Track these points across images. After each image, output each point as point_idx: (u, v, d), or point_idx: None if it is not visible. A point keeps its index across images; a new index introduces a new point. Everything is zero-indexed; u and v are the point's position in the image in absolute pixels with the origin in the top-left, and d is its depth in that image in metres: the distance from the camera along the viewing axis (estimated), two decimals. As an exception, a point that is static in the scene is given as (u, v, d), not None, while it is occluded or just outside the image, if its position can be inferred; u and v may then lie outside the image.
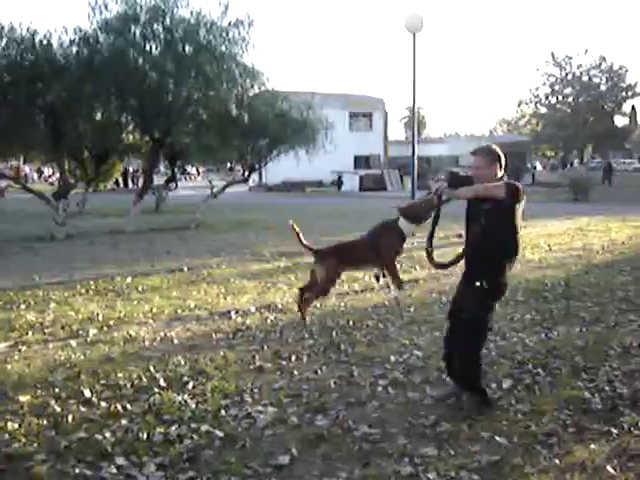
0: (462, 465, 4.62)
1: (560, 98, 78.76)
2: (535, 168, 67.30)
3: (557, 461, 4.66)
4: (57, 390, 6.20)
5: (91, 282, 11.67)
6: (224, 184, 24.90)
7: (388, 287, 11.03)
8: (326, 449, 4.94)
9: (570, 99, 78.31)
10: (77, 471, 4.61)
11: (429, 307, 9.53)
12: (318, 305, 9.76)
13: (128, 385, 6.34)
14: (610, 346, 7.37)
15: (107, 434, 5.17)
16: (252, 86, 20.60)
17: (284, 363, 7.00)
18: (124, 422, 5.42)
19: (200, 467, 4.67)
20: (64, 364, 7.03)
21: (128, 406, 5.78)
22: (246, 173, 24.65)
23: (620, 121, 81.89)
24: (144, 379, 6.50)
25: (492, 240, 5.42)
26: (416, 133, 20.47)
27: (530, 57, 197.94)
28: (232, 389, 6.19)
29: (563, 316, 8.70)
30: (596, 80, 77.58)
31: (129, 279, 11.97)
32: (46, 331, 8.44)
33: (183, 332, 8.38)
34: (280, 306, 9.76)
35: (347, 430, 5.24)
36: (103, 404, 5.83)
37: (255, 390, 6.17)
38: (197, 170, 67.28)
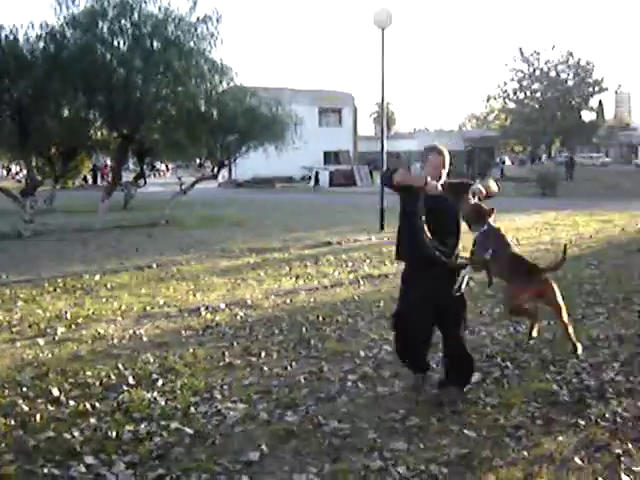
0: (431, 458, 4.64)
1: (528, 93, 79.24)
2: (504, 163, 67.72)
3: (525, 453, 4.69)
4: (25, 389, 6.14)
5: (59, 280, 11.58)
6: (193, 180, 24.79)
7: (357, 282, 11.08)
8: (296, 444, 4.94)
9: (538, 94, 78.81)
10: (46, 471, 4.57)
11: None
12: (288, 301, 9.77)
13: (97, 383, 6.30)
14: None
15: (76, 433, 5.13)
16: (221, 82, 20.55)
17: (254, 359, 6.99)
18: (93, 421, 5.38)
19: (170, 464, 4.65)
20: (32, 363, 6.97)
21: (97, 404, 5.73)
22: (215, 169, 24.56)
23: (587, 116, 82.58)
24: (113, 377, 6.46)
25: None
26: (385, 128, 20.46)
27: (498, 53, 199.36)
28: (202, 386, 6.17)
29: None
30: (563, 75, 78.13)
31: (97, 277, 11.89)
32: (13, 330, 8.36)
33: (152, 329, 8.34)
34: (250, 302, 9.74)
35: (317, 425, 5.24)
36: (72, 403, 5.79)
37: (225, 387, 6.16)
38: (166, 166, 66.88)
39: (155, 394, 5.95)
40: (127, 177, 31.87)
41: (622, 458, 4.59)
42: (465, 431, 5.04)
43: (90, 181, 50.43)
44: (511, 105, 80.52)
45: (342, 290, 10.61)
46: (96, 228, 19.90)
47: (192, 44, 19.44)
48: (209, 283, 11.33)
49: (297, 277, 11.76)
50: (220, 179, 39.49)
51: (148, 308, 9.50)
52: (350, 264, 13.02)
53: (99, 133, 24.56)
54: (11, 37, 18.35)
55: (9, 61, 17.88)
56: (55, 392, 6.02)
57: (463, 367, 5.76)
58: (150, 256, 14.49)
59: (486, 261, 5.55)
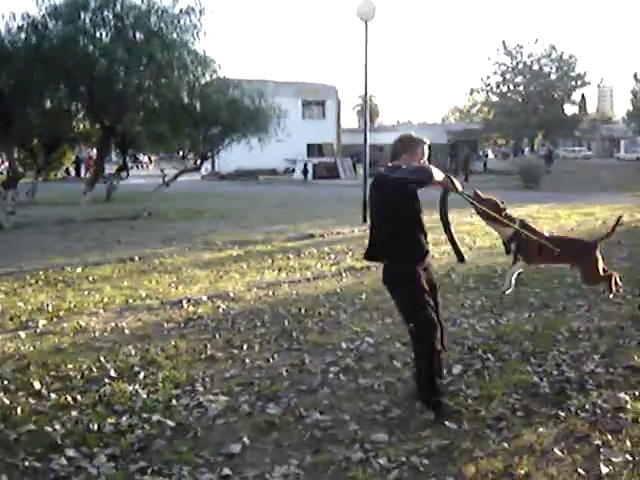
0: (412, 450, 4.66)
1: (511, 87, 79.43)
2: (487, 156, 67.97)
3: (506, 445, 4.72)
4: (6, 382, 6.12)
5: (41, 272, 11.53)
6: (176, 173, 24.70)
7: (340, 274, 11.10)
8: (277, 436, 4.95)
9: (521, 88, 79.02)
10: (27, 464, 4.56)
11: (380, 294, 9.54)
12: (270, 293, 9.77)
13: (78, 376, 6.29)
14: (558, 331, 7.49)
15: (57, 426, 5.12)
16: (204, 74, 20.46)
17: (236, 352, 6.99)
18: (74, 413, 5.37)
19: (151, 457, 4.65)
20: (13, 356, 6.94)
21: (78, 397, 5.72)
22: (198, 161, 24.50)
23: (570, 110, 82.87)
24: (94, 370, 6.45)
25: None
26: (368, 121, 20.48)
27: (482, 46, 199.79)
28: (183, 378, 6.17)
29: (512, 302, 8.80)
30: (546, 69, 78.34)
31: (79, 269, 11.85)
32: (-6, 322, 8.33)
33: (134, 322, 8.33)
34: (232, 295, 9.74)
35: (298, 417, 5.26)
36: (53, 396, 5.77)
37: (206, 379, 6.16)
38: (149, 158, 66.63)
39: (137, 387, 5.95)
40: (109, 169, 31.73)
41: (601, 449, 4.63)
42: (446, 423, 5.06)
43: (73, 173, 50.15)
44: (494, 98, 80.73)
45: (324, 282, 10.62)
46: (78, 220, 19.81)
47: (175, 36, 19.36)
48: (191, 275, 11.32)
49: (279, 270, 11.76)
50: (203, 171, 39.47)
51: (130, 301, 9.47)
52: (333, 256, 13.03)
53: (81, 125, 24.42)
54: (-8, 28, 18.23)
55: (-10, 52, 17.76)
56: (36, 385, 6.00)
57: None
58: (132, 248, 14.44)
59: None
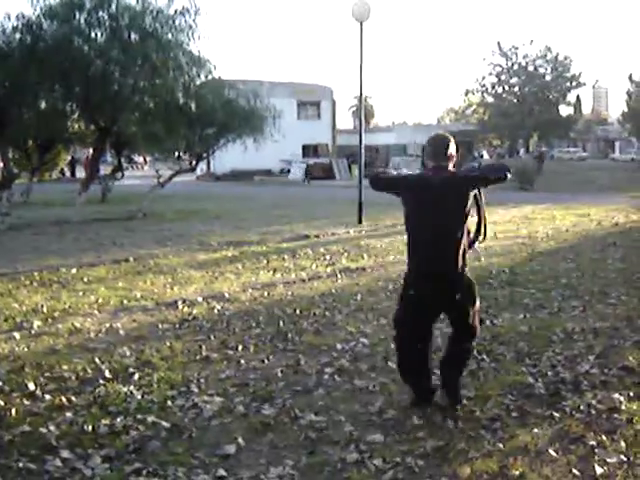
0: (407, 451, 4.66)
1: (506, 88, 79.45)
2: (482, 157, 67.99)
3: (501, 445, 4.72)
4: (0, 383, 6.09)
5: (35, 273, 11.50)
6: (171, 173, 24.70)
7: (335, 275, 11.11)
8: (272, 438, 4.94)
9: (516, 89, 79.05)
10: (21, 465, 4.54)
11: (376, 295, 9.58)
12: (265, 294, 9.76)
13: (73, 377, 6.27)
14: (553, 332, 7.50)
15: (52, 427, 5.11)
16: (199, 74, 20.44)
17: (231, 353, 6.98)
18: (69, 415, 5.36)
19: (146, 458, 4.64)
20: (7, 357, 6.92)
21: (73, 398, 5.71)
22: (193, 162, 24.49)
23: (565, 111, 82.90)
24: (89, 371, 6.43)
25: None
26: (363, 122, 20.48)
27: (477, 47, 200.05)
28: (178, 379, 6.16)
29: (508, 303, 8.81)
30: (542, 70, 78.36)
31: (74, 270, 11.83)
32: (-11, 323, 8.31)
33: (129, 323, 8.31)
34: (227, 296, 9.73)
35: (293, 418, 5.25)
36: (47, 397, 5.76)
37: (201, 380, 6.15)
38: (144, 159, 66.58)
39: (131, 388, 5.94)
40: (104, 170, 31.70)
41: (596, 450, 4.63)
42: (441, 423, 5.06)
43: (68, 174, 50.06)
44: (489, 99, 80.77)
45: (320, 283, 10.62)
46: (73, 221, 19.79)
47: (170, 36, 19.34)
48: (186, 276, 11.31)
49: (275, 270, 11.76)
50: (198, 172, 39.47)
51: (125, 302, 9.46)
52: (328, 257, 13.04)
53: (76, 125, 24.41)
54: (-13, 29, 18.19)
55: (-16, 53, 17.73)
56: (31, 386, 5.99)
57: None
58: (127, 249, 14.43)
59: None
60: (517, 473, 4.34)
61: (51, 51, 18.07)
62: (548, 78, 78.15)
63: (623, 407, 5.32)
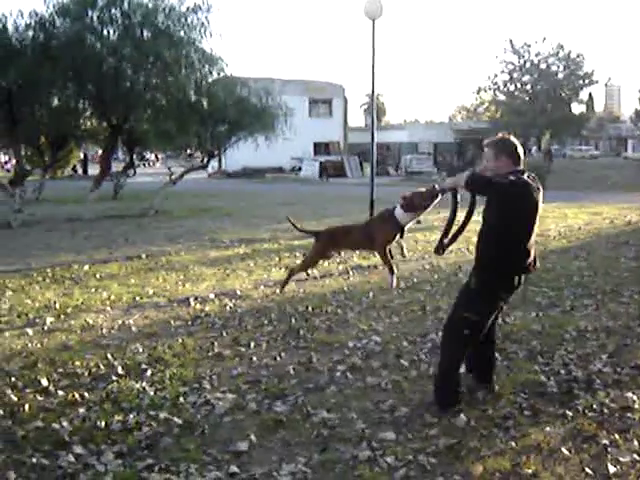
0: (420, 449, 4.66)
1: (518, 85, 79.09)
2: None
3: (513, 444, 4.71)
4: (13, 379, 6.13)
5: (48, 270, 11.55)
6: (183, 171, 24.74)
7: (347, 273, 11.10)
8: (285, 435, 4.95)
9: (528, 86, 78.68)
10: (34, 460, 4.57)
11: (387, 293, 9.57)
12: (277, 291, 9.77)
13: (86, 373, 6.30)
14: (566, 330, 7.48)
15: (65, 423, 5.13)
16: (211, 72, 20.49)
17: (243, 350, 6.99)
18: (82, 410, 5.38)
19: (159, 454, 4.65)
20: (20, 353, 6.96)
21: (86, 394, 5.73)
22: (205, 160, 24.52)
23: (577, 109, 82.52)
24: (102, 367, 6.45)
25: (482, 234, 5.38)
26: (375, 120, 20.44)
27: (489, 44, 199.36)
28: (191, 376, 6.18)
29: (520, 301, 8.78)
30: (554, 68, 77.97)
31: (87, 267, 11.87)
32: (2, 320, 8.34)
33: (141, 319, 8.33)
34: (239, 293, 9.74)
35: (306, 415, 5.25)
36: (60, 393, 5.78)
37: (214, 377, 6.16)
38: (156, 156, 66.86)
39: (144, 384, 5.95)
40: (116, 167, 31.79)
41: (609, 449, 4.62)
42: (453, 421, 5.06)
43: (80, 171, 50.20)
44: (501, 97, 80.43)
45: (331, 281, 10.61)
46: (85, 218, 19.86)
47: (182, 34, 19.39)
48: (198, 273, 11.32)
49: (286, 268, 11.72)
50: (210, 170, 39.53)
51: (137, 298, 9.49)
52: (340, 255, 13.01)
53: (89, 123, 24.48)
54: (0, 26, 18.25)
55: (-2, 50, 17.80)
56: (44, 382, 6.01)
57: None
58: (139, 246, 14.47)
59: None
60: (530, 471, 4.33)
61: (64, 48, 18.14)
62: (560, 76, 77.77)
63: (636, 406, 5.31)
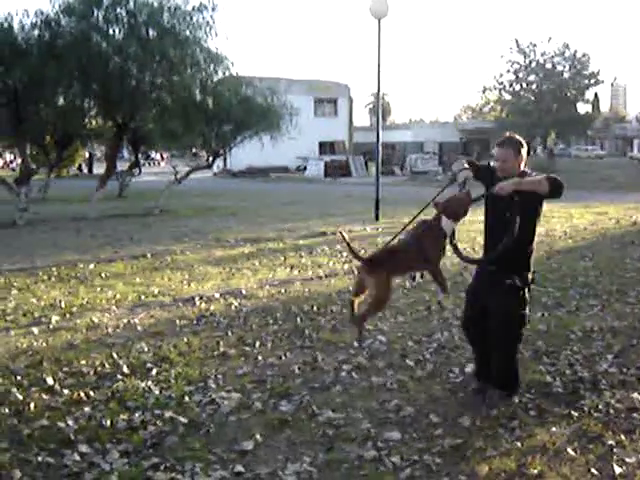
0: (425, 449, 4.65)
1: (524, 85, 78.91)
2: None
3: (519, 444, 4.70)
4: (19, 378, 6.13)
5: (53, 268, 11.56)
6: (188, 170, 24.77)
7: (352, 272, 11.08)
8: (290, 434, 4.95)
9: (534, 86, 78.51)
10: (40, 459, 4.57)
11: (393, 293, 9.54)
12: (282, 291, 9.77)
13: (91, 372, 6.30)
14: (571, 330, 7.47)
15: (70, 422, 5.13)
16: (216, 71, 20.50)
17: (248, 349, 6.99)
18: (87, 409, 5.38)
19: (164, 453, 4.65)
20: (26, 351, 6.96)
21: (91, 393, 5.73)
22: (210, 159, 24.55)
23: (583, 108, 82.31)
24: (107, 366, 6.46)
25: (524, 234, 5.28)
26: (380, 119, 20.44)
27: (495, 44, 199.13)
28: (196, 375, 6.18)
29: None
30: (560, 68, 77.79)
31: (92, 265, 11.88)
32: (7, 318, 8.35)
33: (146, 318, 8.34)
34: (244, 292, 9.73)
35: (311, 415, 5.25)
36: (66, 391, 5.78)
37: (219, 376, 6.16)
38: (161, 156, 66.93)
39: (149, 383, 5.96)
40: (121, 166, 31.85)
41: (615, 449, 4.61)
42: (459, 421, 5.06)
43: (85, 170, 50.27)
44: (507, 97, 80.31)
45: (337, 280, 10.60)
46: (90, 217, 19.88)
47: (188, 33, 19.41)
48: (204, 272, 11.33)
49: (292, 267, 11.76)
50: (215, 169, 39.56)
51: (142, 297, 9.49)
52: (345, 254, 12.99)
53: (94, 122, 24.53)
54: (6, 25, 18.31)
55: (4, 49, 17.84)
56: (49, 381, 6.02)
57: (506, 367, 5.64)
58: (145, 245, 14.48)
59: None
60: (535, 472, 4.33)
61: (69, 48, 18.17)
62: (566, 76, 77.61)
63: (642, 406, 5.29)
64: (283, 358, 6.69)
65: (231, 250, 13.91)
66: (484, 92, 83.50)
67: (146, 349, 7.00)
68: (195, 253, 13.43)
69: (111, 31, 19.12)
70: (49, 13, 18.70)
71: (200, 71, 19.86)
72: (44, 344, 7.23)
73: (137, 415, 5.25)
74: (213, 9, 19.53)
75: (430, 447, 4.68)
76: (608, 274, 10.70)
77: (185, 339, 7.33)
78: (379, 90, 19.93)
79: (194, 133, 22.25)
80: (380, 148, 19.87)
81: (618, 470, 4.34)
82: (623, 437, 4.77)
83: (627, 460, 4.46)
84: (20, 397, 5.64)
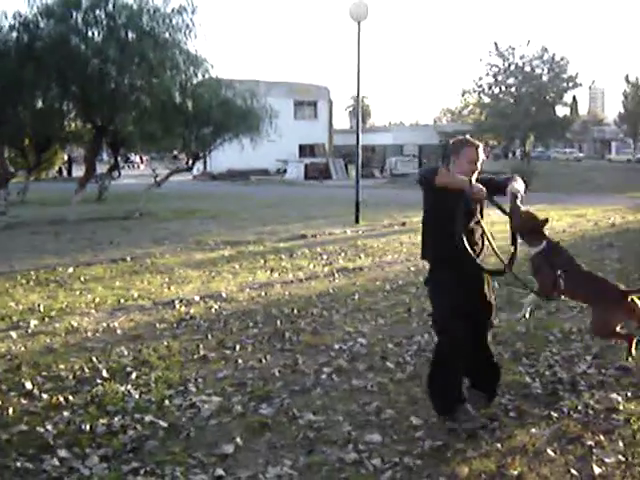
0: (405, 451, 4.66)
1: (503, 88, 79.23)
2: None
3: (499, 445, 4.72)
4: (-3, 382, 6.09)
5: (32, 272, 11.48)
6: (168, 172, 24.71)
7: (332, 275, 11.10)
8: (271, 437, 4.94)
9: (513, 89, 78.84)
10: (18, 464, 4.53)
11: (373, 295, 9.58)
12: (263, 294, 9.76)
13: (70, 376, 6.26)
14: (551, 332, 7.50)
15: (49, 426, 5.10)
16: (196, 73, 20.48)
17: (228, 352, 6.97)
18: (66, 414, 5.35)
19: (144, 458, 4.63)
20: (4, 356, 6.91)
21: (70, 398, 5.70)
22: (190, 162, 24.49)
23: (561, 111, 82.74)
24: (86, 370, 6.42)
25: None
26: (360, 122, 20.48)
27: (474, 47, 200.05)
28: (176, 379, 6.15)
29: (505, 302, 8.78)
30: (538, 71, 78.16)
31: (71, 269, 11.81)
32: (-14, 322, 8.29)
33: (126, 322, 8.30)
34: (224, 295, 9.72)
35: (291, 418, 5.24)
36: (45, 396, 5.74)
37: (199, 380, 6.14)
38: (140, 158, 66.66)
39: (129, 387, 5.93)
40: (101, 169, 31.68)
41: (594, 450, 4.63)
42: (439, 423, 5.06)
43: (64, 173, 49.95)
44: (486, 100, 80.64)
45: (317, 283, 10.61)
46: (70, 220, 19.76)
47: (167, 35, 19.39)
48: (184, 276, 11.29)
49: (272, 270, 11.75)
50: (195, 172, 39.43)
51: (122, 301, 9.45)
52: (325, 257, 13.03)
53: (73, 124, 24.39)
54: (-17, 27, 18.21)
55: (-19, 51, 17.74)
56: (28, 385, 5.98)
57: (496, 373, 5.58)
58: (124, 249, 14.41)
59: (557, 284, 5.00)
60: (515, 473, 4.34)
61: (48, 50, 18.09)
62: (545, 79, 78.01)
63: (621, 407, 5.32)
64: (263, 361, 6.68)
65: (211, 253, 13.88)
66: (463, 95, 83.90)
67: (126, 353, 6.96)
68: (175, 256, 13.39)
69: (90, 33, 19.07)
70: (27, 15, 18.64)
71: (179, 73, 19.81)
72: (23, 348, 7.18)
73: (117, 419, 5.22)
74: (193, 11, 19.53)
75: (411, 449, 4.68)
76: (587, 276, 10.73)
77: (165, 343, 7.30)
78: (359, 93, 19.98)
79: (174, 135, 22.21)
80: (360, 151, 19.90)
81: (597, 470, 4.35)
82: (602, 437, 4.79)
83: (606, 460, 4.48)
84: (-2, 402, 5.60)
